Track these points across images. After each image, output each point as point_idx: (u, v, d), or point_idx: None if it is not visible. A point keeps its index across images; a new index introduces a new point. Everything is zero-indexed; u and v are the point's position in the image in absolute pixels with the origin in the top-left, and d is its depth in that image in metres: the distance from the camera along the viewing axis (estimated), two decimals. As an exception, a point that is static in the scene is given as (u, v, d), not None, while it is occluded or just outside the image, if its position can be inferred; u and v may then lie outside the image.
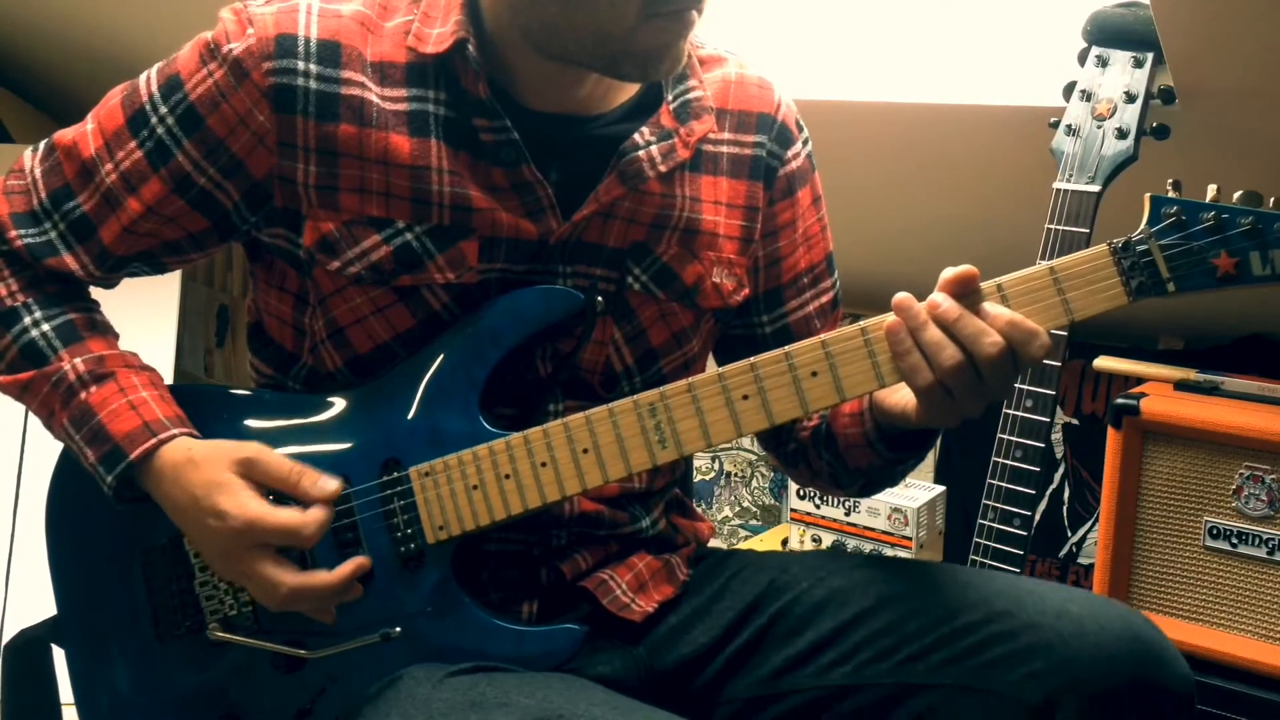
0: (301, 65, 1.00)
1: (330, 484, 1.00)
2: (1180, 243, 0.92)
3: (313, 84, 1.00)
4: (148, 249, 1.08)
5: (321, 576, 0.99)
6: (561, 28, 0.96)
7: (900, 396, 1.01)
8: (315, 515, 0.98)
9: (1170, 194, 0.93)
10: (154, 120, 1.03)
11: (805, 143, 1.18)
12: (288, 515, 0.97)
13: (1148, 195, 0.94)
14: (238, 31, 1.01)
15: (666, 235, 1.08)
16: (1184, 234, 0.92)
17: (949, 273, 0.93)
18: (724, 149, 1.12)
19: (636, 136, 1.05)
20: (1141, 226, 0.93)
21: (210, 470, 0.99)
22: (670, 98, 1.08)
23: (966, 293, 0.93)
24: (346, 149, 1.01)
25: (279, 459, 1.00)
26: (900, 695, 1.00)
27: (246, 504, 0.98)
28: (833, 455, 1.14)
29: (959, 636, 0.99)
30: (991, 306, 0.92)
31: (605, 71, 1.00)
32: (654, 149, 1.06)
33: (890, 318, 0.94)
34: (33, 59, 2.85)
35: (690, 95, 1.09)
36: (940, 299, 0.92)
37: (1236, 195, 0.92)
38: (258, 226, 1.06)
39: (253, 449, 1.00)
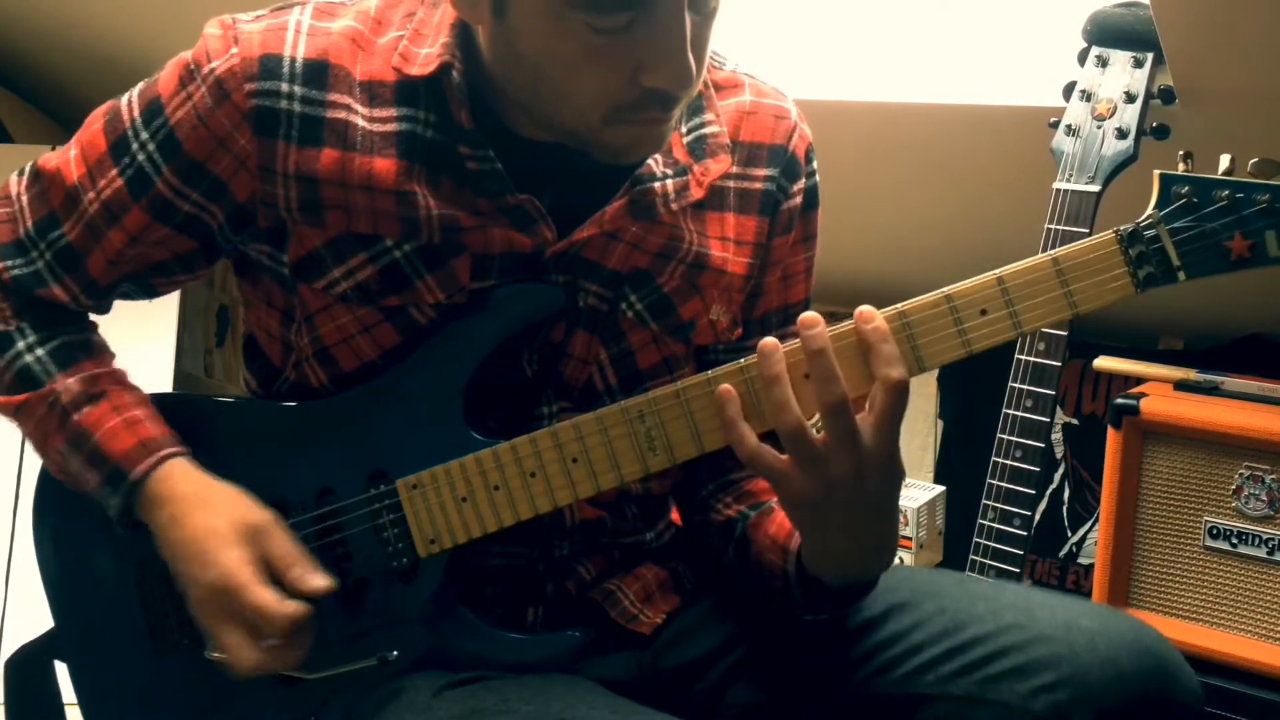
0: (285, 88, 0.97)
1: (318, 581, 0.96)
2: (1192, 225, 0.87)
3: (296, 107, 0.97)
4: (133, 271, 1.06)
5: (284, 656, 0.95)
6: (533, 111, 0.95)
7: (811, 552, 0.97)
8: (290, 608, 0.94)
9: (1181, 169, 0.88)
10: (134, 146, 1.01)
11: (810, 176, 1.12)
12: (267, 597, 0.94)
13: (1157, 173, 0.88)
14: (220, 49, 0.97)
15: (671, 267, 1.05)
16: (1196, 216, 0.87)
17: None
18: (731, 183, 1.07)
19: (651, 164, 1.01)
20: (1149, 210, 0.88)
21: (216, 518, 0.97)
22: (684, 130, 1.04)
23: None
24: (329, 175, 0.98)
25: (285, 539, 0.98)
26: (908, 705, 0.99)
27: (238, 569, 0.95)
28: (740, 559, 1.09)
29: (969, 648, 0.97)
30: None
31: (580, 150, 0.96)
32: (669, 184, 1.02)
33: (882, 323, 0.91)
34: (33, 59, 2.85)
35: (706, 130, 1.05)
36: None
37: (1251, 163, 0.87)
38: (244, 242, 1.04)
39: (266, 519, 0.98)
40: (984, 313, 0.91)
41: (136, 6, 2.37)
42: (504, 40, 0.92)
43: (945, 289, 0.92)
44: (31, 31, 2.68)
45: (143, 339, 1.15)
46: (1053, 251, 0.90)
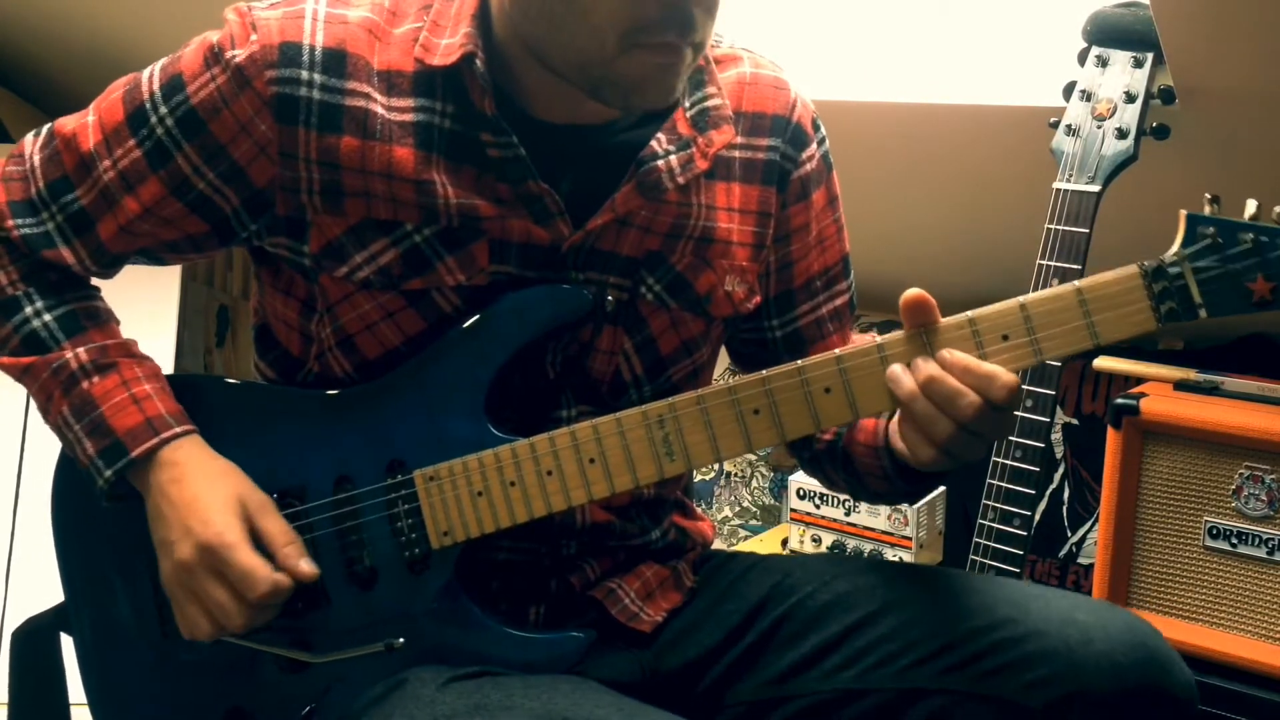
0: (305, 75, 0.98)
1: (306, 565, 1.00)
2: (1216, 265, 0.88)
3: (316, 94, 0.99)
4: (145, 246, 1.07)
5: (249, 620, 0.99)
6: (548, 46, 0.95)
7: (906, 444, 0.99)
8: (279, 578, 0.98)
9: (1208, 211, 0.90)
10: (154, 120, 1.02)
11: (821, 142, 1.15)
12: (257, 561, 0.98)
13: (1183, 213, 0.90)
14: (242, 36, 0.99)
15: (681, 244, 1.07)
16: (1220, 256, 0.88)
17: (904, 298, 0.93)
18: (736, 153, 1.09)
19: (654, 144, 1.03)
20: (1175, 248, 0.90)
21: (218, 485, 1.01)
22: (687, 104, 1.05)
23: (923, 321, 0.92)
24: (349, 162, 0.99)
25: (280, 519, 1.01)
26: (905, 701, 1.00)
27: (232, 528, 0.98)
28: (850, 476, 1.14)
29: (964, 642, 0.98)
30: (950, 354, 0.91)
31: (590, 95, 0.97)
32: (673, 159, 1.03)
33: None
34: (32, 58, 2.85)
35: (709, 104, 1.06)
36: (919, 366, 0.92)
37: (1276, 209, 0.88)
38: (259, 235, 1.05)
39: (264, 499, 1.02)
40: (1005, 338, 0.93)
41: (135, 6, 2.37)
42: None
43: (969, 312, 0.93)
44: (31, 31, 2.68)
45: (143, 338, 1.14)
46: (1076, 282, 0.91)
